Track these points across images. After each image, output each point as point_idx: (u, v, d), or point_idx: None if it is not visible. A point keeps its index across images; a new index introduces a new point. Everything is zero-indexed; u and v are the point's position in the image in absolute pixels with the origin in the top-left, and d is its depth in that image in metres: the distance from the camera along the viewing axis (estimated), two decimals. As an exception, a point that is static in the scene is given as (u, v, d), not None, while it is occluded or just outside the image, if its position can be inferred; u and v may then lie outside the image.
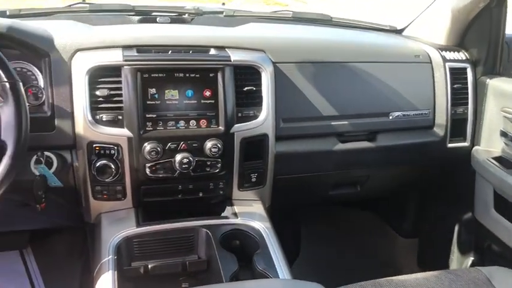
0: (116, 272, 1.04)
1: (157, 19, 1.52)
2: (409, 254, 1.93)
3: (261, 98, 1.28)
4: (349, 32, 1.72)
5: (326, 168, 1.48)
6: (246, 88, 1.26)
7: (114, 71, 1.17)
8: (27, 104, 0.98)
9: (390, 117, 1.47)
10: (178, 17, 1.57)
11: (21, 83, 0.98)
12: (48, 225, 1.56)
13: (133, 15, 1.54)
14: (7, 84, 0.96)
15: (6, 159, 0.94)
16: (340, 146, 1.44)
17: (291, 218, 1.79)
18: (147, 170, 1.20)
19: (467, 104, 1.55)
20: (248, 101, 1.27)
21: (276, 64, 1.33)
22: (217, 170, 1.25)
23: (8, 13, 1.46)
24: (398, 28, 1.78)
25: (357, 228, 1.96)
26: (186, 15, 1.57)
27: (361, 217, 1.98)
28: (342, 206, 1.94)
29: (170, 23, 1.52)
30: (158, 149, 1.18)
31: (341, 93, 1.43)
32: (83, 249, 1.75)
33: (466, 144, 1.58)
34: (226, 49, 1.28)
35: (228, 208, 1.30)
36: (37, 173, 1.18)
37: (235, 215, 1.27)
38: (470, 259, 1.67)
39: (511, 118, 1.45)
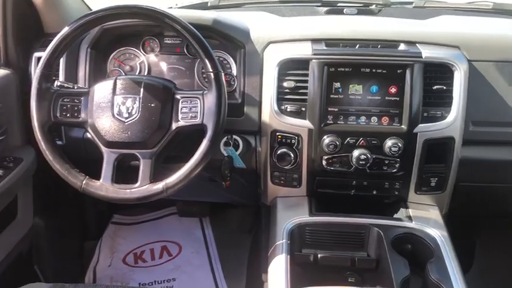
0: (288, 255, 1.10)
1: (344, 10, 1.52)
2: None
3: (451, 98, 1.20)
4: None
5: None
6: (435, 87, 1.19)
7: (302, 64, 1.21)
8: (226, 92, 1.08)
9: None
10: (365, 8, 1.55)
11: (223, 74, 1.08)
12: (229, 201, 1.71)
13: (320, 6, 1.57)
14: (212, 74, 1.07)
15: (205, 142, 1.06)
16: None
17: (467, 227, 1.65)
18: (324, 162, 1.23)
19: None
20: (436, 100, 1.20)
21: (471, 62, 1.22)
22: (395, 170, 1.22)
23: (209, 4, 1.61)
24: None
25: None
26: (374, 6, 1.55)
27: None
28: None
29: (357, 14, 1.51)
30: (337, 142, 1.20)
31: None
32: (252, 226, 1.89)
33: None
34: (416, 44, 1.22)
35: (402, 210, 1.26)
36: (225, 154, 1.30)
37: (409, 218, 1.22)
38: None
39: None
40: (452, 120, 1.19)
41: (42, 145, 1.08)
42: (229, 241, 1.88)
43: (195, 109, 1.08)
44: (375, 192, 1.27)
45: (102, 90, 1.10)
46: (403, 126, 1.19)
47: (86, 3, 1.51)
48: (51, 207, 1.58)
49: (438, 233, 1.16)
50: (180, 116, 1.08)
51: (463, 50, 1.23)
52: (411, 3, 1.58)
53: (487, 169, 1.30)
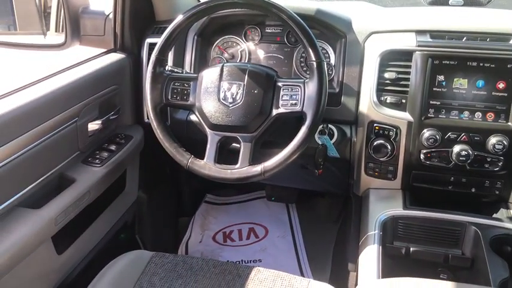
0: (380, 246, 1.10)
1: (450, 1, 1.46)
2: None
3: None
4: None
5: None
6: None
7: (405, 55, 1.20)
8: (327, 82, 1.10)
9: None
10: (472, 0, 1.48)
11: (325, 63, 1.10)
12: (320, 189, 1.73)
13: (424, -4, 1.53)
14: (315, 63, 1.09)
15: (304, 129, 1.09)
16: None
17: None
18: (422, 156, 1.21)
19: None
20: None
21: None
22: (497, 168, 1.17)
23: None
24: None
25: None
26: (482, -4, 1.47)
27: None
28: None
29: (463, 5, 1.45)
30: (437, 136, 1.18)
31: None
32: (339, 216, 1.90)
33: None
34: None
35: (502, 210, 1.21)
36: (320, 142, 1.32)
37: (510, 219, 1.17)
38: None
39: None
40: None
41: (154, 124, 1.17)
42: (315, 229, 1.91)
43: (296, 97, 1.11)
44: (473, 190, 1.23)
45: (209, 75, 1.17)
46: (509, 123, 1.14)
47: (193, -7, 1.60)
48: (153, 183, 1.71)
49: None
50: (280, 102, 1.12)
51: None
52: (525, -7, 1.49)
53: None
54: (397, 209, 1.21)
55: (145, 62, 1.44)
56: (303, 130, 1.09)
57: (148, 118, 1.20)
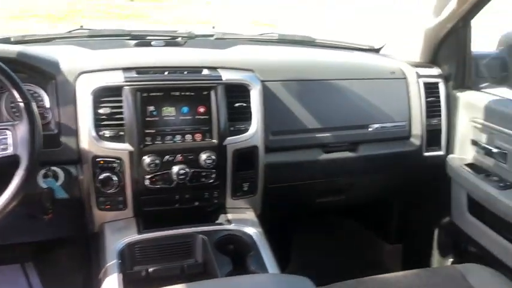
0: (120, 274, 1.13)
1: (152, 43, 1.63)
2: (393, 258, 2.03)
3: (250, 113, 1.39)
4: (331, 52, 1.85)
5: (313, 176, 1.60)
6: (236, 104, 1.37)
7: (116, 91, 1.28)
8: (40, 121, 1.08)
9: (370, 129, 1.60)
10: (172, 40, 1.68)
11: (34, 103, 1.08)
12: (52, 236, 1.63)
13: (129, 39, 1.66)
14: (21, 104, 1.06)
15: (20, 172, 1.04)
16: (325, 156, 1.56)
17: (282, 226, 1.89)
18: (147, 181, 1.30)
19: (440, 115, 1.68)
20: (239, 116, 1.38)
21: (264, 82, 1.45)
22: (212, 180, 1.36)
23: (12, 39, 1.56)
24: (376, 47, 1.92)
25: (344, 236, 2.06)
26: (179, 38, 1.69)
27: (347, 225, 2.09)
28: (329, 215, 2.05)
29: (164, 46, 1.64)
30: (157, 161, 1.29)
31: (324, 108, 1.55)
32: (84, 262, 1.82)
33: (441, 153, 1.70)
34: (218, 69, 1.40)
35: (222, 216, 1.40)
36: (45, 186, 1.27)
37: (229, 221, 1.37)
38: (450, 260, 1.78)
39: (481, 128, 1.58)
40: (253, 132, 1.39)
41: None
42: (60, 283, 1.78)
43: (5, 140, 1.05)
44: (197, 203, 1.38)
45: None
46: (214, 141, 1.34)
47: None
48: None
49: (255, 231, 1.33)
50: None
51: (256, 72, 1.45)
52: (212, 35, 1.78)
53: (288, 170, 1.53)
54: (131, 236, 1.26)
55: None
56: (19, 173, 1.04)
57: None
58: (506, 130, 1.47)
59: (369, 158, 1.62)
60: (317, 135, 1.54)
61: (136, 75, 1.32)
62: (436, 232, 1.85)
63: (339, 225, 2.02)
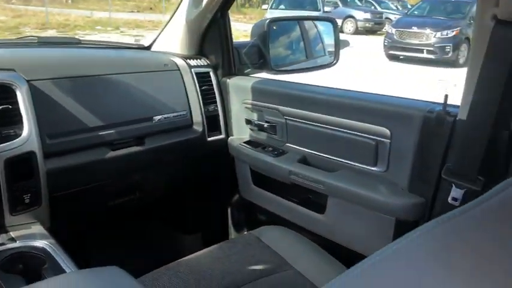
0: None
1: None
2: (196, 247, 2.09)
3: (20, 116, 1.26)
4: (100, 50, 1.80)
5: (102, 177, 1.53)
6: (1, 107, 1.22)
7: None
8: None
9: (153, 121, 1.61)
10: None
11: None
12: None
13: None
14: None
15: None
16: (112, 154, 1.51)
17: (79, 235, 1.74)
18: None
19: (216, 102, 1.81)
20: (5, 120, 1.23)
21: (30, 82, 1.32)
22: None
23: None
24: (146, 45, 1.95)
25: (144, 236, 2.02)
26: None
27: (146, 224, 2.06)
28: (126, 216, 1.98)
29: None
30: None
31: (104, 104, 1.50)
32: None
33: (222, 136, 1.83)
34: None
35: (3, 235, 1.22)
36: None
37: (13, 239, 1.20)
38: (245, 231, 1.93)
39: (251, 108, 1.76)
40: (26, 136, 1.25)
41: None
42: None
43: None
44: None
45: None
46: None
47: None
48: None
49: (46, 243, 1.20)
50: None
51: (19, 71, 1.31)
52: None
53: (74, 174, 1.43)
54: None
55: None
56: None
57: None
58: (270, 105, 1.67)
59: (157, 150, 1.64)
60: (100, 133, 1.47)
61: None
62: (229, 211, 1.98)
63: (138, 226, 1.98)
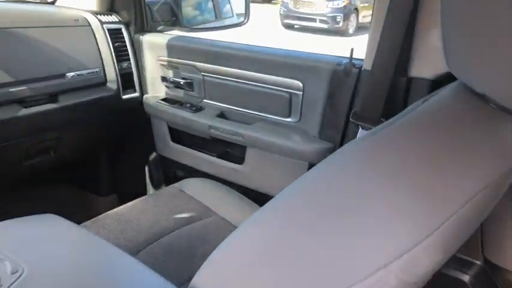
0: None
1: None
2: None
3: None
4: (2, 3, 1.68)
5: (14, 136, 1.46)
6: None
7: None
8: None
9: (66, 78, 1.56)
10: None
11: None
12: None
13: None
14: None
15: None
16: (25, 112, 1.44)
17: None
18: None
19: (129, 59, 1.79)
20: None
21: None
22: None
23: None
24: (49, 1, 1.85)
25: (55, 199, 1.96)
26: None
27: (61, 187, 2.00)
28: (40, 177, 1.91)
29: None
30: None
31: (12, 59, 1.42)
32: None
33: (137, 94, 1.83)
34: None
35: None
36: None
37: None
38: (164, 187, 1.97)
39: (166, 65, 1.77)
40: None
41: None
42: None
43: None
44: None
45: None
46: None
47: None
48: None
49: None
50: None
51: None
52: None
53: None
54: None
55: None
56: None
57: None
58: (186, 61, 1.70)
59: (71, 108, 1.59)
60: (11, 90, 1.40)
61: None
62: (147, 169, 2.00)
63: (52, 188, 1.91)
